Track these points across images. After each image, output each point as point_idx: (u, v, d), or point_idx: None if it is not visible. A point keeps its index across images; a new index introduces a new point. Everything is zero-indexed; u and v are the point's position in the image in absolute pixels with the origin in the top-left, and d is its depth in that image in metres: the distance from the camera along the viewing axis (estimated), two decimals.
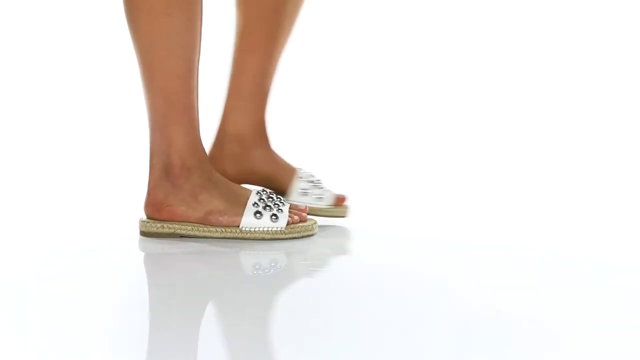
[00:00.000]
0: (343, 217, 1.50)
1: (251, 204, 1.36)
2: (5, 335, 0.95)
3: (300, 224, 1.38)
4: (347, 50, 2.84)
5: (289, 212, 1.38)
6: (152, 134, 1.36)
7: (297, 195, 1.49)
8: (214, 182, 1.37)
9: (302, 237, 1.39)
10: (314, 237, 1.40)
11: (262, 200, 1.37)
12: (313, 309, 1.07)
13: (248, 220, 1.36)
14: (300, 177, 1.50)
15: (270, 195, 1.39)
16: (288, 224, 1.37)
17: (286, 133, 1.76)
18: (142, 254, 1.33)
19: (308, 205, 1.46)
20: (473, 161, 2.33)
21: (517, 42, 2.83)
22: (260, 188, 1.43)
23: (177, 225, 1.36)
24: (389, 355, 0.89)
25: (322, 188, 1.50)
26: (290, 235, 1.37)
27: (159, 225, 1.36)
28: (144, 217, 1.38)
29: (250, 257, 1.31)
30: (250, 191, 1.39)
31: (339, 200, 1.50)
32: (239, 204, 1.37)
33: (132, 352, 0.91)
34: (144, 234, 1.37)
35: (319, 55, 2.79)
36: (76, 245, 1.38)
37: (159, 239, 1.36)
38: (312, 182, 1.50)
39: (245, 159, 1.49)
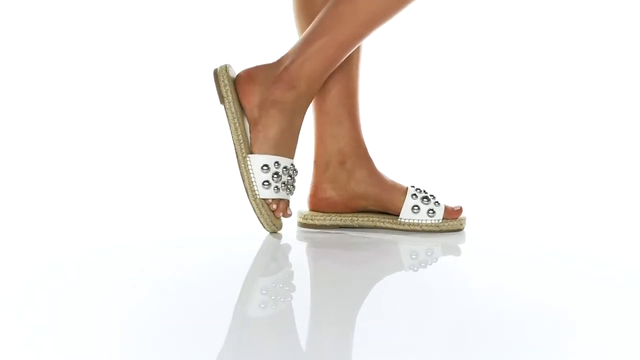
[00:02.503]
0: (458, 230, 1.44)
1: (274, 161, 1.35)
2: (15, 337, 0.96)
3: (267, 214, 1.36)
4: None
5: (278, 201, 1.36)
6: (302, 42, 1.36)
7: (410, 212, 1.42)
8: (290, 117, 1.36)
9: (259, 220, 1.37)
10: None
11: (288, 170, 1.36)
12: (314, 308, 1.07)
13: (256, 165, 1.35)
14: (412, 194, 1.43)
15: (292, 176, 1.37)
16: (267, 203, 1.35)
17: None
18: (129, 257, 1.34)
19: (421, 221, 1.43)
20: (477, 159, 2.33)
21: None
22: (293, 163, 1.38)
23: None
24: (396, 354, 0.89)
25: (434, 203, 1.43)
26: (255, 209, 1.35)
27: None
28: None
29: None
30: (291, 160, 1.37)
31: (450, 213, 1.44)
32: (277, 147, 1.35)
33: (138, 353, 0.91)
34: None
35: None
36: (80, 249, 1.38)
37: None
38: (423, 197, 1.43)
39: (350, 184, 1.44)
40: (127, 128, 2.53)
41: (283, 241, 1.37)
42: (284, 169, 1.36)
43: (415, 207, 1.43)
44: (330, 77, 1.42)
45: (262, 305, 1.08)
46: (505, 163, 2.30)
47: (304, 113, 1.39)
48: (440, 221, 1.43)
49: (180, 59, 2.68)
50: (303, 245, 1.37)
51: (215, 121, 1.53)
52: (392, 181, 1.46)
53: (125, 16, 2.70)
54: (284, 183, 1.36)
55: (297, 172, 1.39)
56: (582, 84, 2.73)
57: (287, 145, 1.37)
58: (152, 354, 0.90)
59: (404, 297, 1.11)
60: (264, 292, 1.14)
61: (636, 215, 1.68)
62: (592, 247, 1.40)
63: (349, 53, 1.38)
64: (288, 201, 1.38)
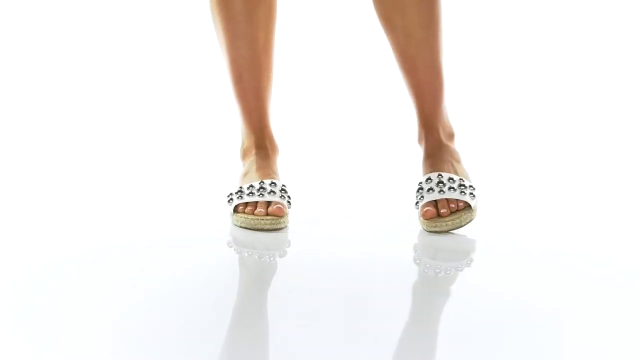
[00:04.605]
0: (440, 232, 1.43)
1: (236, 191, 1.47)
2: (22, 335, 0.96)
3: (251, 217, 1.41)
4: None
5: (245, 205, 1.44)
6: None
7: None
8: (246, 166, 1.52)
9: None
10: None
11: (242, 188, 1.46)
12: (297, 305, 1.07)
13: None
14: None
15: (254, 186, 1.45)
16: (237, 210, 1.44)
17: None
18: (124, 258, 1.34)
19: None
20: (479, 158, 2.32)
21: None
22: (253, 184, 1.45)
23: None
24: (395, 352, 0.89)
25: (419, 197, 1.44)
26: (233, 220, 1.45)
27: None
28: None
29: None
30: (249, 183, 1.46)
31: (422, 213, 1.43)
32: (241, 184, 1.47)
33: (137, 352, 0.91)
34: None
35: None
36: (80, 248, 1.38)
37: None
38: (419, 189, 1.45)
39: None
40: (127, 128, 2.53)
41: (283, 241, 1.37)
42: (239, 189, 1.46)
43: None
44: (421, 78, 1.48)
45: (263, 306, 1.08)
46: (505, 164, 2.30)
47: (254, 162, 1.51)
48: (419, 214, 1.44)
49: (179, 60, 2.68)
50: (304, 245, 1.37)
51: (214, 122, 1.53)
52: None
53: (122, 16, 2.70)
54: (238, 191, 1.45)
55: (264, 182, 1.45)
56: (582, 85, 2.73)
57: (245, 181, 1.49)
58: (152, 353, 0.90)
59: (404, 297, 1.11)
60: (264, 292, 1.14)
61: (636, 215, 1.68)
62: (592, 247, 1.40)
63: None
64: (262, 202, 1.43)
